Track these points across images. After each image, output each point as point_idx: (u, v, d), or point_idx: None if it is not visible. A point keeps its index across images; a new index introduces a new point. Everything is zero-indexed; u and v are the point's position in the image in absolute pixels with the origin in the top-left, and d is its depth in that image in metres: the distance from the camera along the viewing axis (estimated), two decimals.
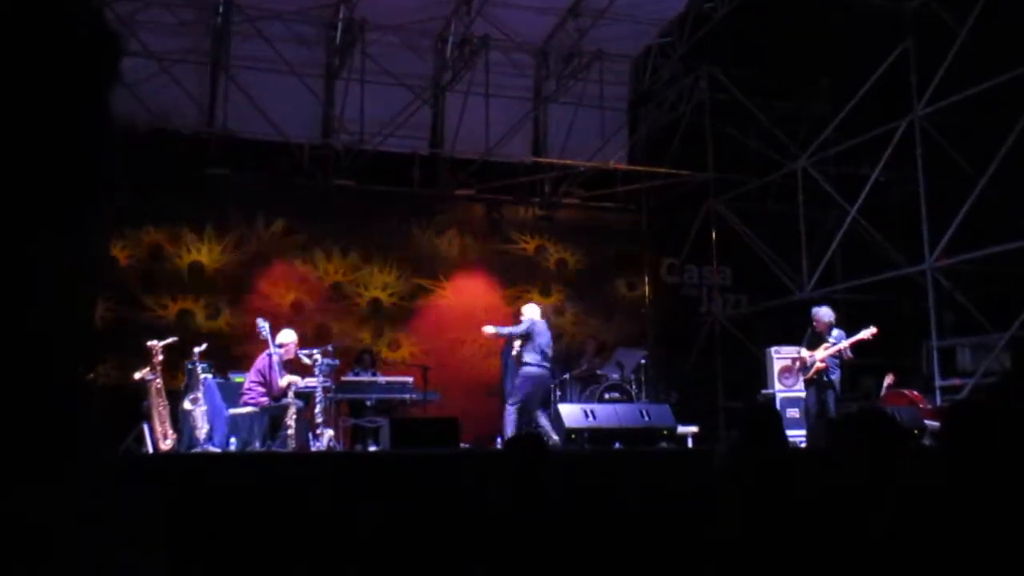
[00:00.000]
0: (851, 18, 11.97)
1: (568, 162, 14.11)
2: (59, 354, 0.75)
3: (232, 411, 9.02)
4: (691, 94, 14.45)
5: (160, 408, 8.77)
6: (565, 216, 14.41)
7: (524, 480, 3.42)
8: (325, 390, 9.34)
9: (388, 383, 10.62)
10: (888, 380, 11.50)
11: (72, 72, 0.77)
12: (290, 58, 12.58)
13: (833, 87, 14.37)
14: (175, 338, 8.95)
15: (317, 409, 9.14)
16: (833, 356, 10.10)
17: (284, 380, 8.98)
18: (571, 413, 9.71)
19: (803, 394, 10.65)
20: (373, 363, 11.17)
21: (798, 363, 10.55)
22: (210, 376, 9.42)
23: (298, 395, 8.99)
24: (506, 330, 10.62)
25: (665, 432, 9.84)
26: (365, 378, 10.84)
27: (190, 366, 9.15)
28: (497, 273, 13.92)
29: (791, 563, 2.98)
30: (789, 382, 11.40)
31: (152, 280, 11.62)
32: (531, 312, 10.64)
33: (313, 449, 8.85)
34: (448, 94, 13.93)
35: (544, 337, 10.44)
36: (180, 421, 9.00)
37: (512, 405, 10.15)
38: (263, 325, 9.09)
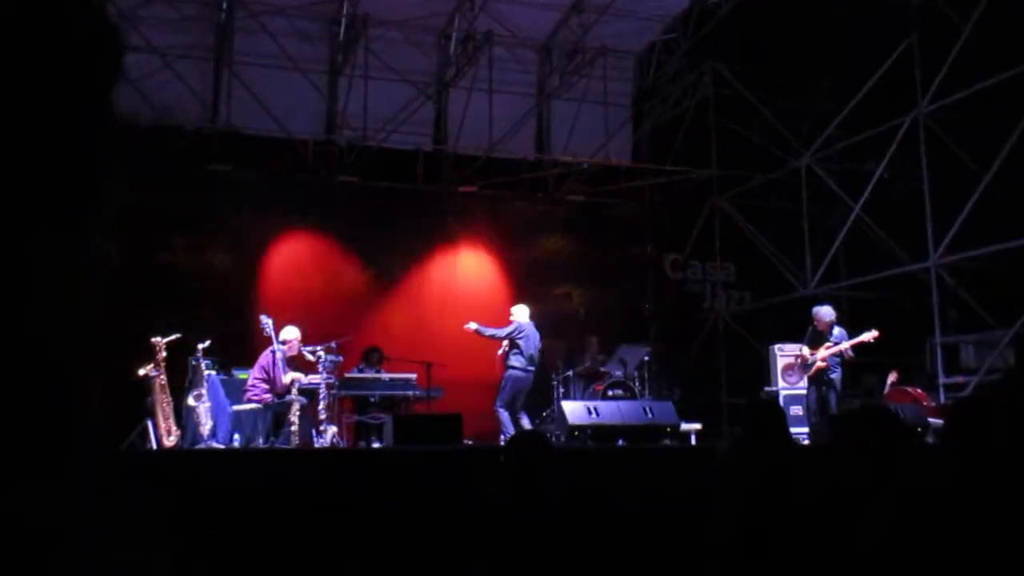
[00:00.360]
0: (855, 14, 11.95)
1: (571, 159, 14.11)
2: (60, 354, 0.75)
3: (236, 407, 9.04)
4: (695, 90, 14.44)
5: (164, 404, 8.78)
6: (569, 213, 14.40)
7: (526, 477, 3.42)
8: (328, 387, 9.36)
9: (391, 379, 10.62)
10: (891, 377, 11.50)
11: (73, 68, 0.77)
12: (293, 54, 12.58)
13: (837, 83, 14.33)
14: (178, 335, 8.96)
15: (320, 406, 9.16)
16: (834, 355, 10.14)
17: (287, 377, 8.99)
18: (574, 410, 9.72)
19: (806, 391, 10.70)
20: (380, 361, 11.18)
21: (799, 360, 10.61)
22: (214, 372, 9.44)
23: (301, 392, 9.00)
24: (489, 331, 10.65)
25: (668, 429, 9.85)
26: (368, 375, 10.84)
27: (194, 362, 9.16)
28: (501, 269, 13.90)
29: (792, 560, 2.98)
30: (792, 379, 11.41)
31: (154, 277, 11.62)
32: (519, 315, 10.67)
33: (316, 445, 8.86)
34: (451, 90, 13.92)
35: (531, 341, 10.47)
36: (184, 417, 9.01)
37: (501, 407, 10.22)
38: (267, 322, 9.11)
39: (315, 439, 8.98)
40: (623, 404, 10.38)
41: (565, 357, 11.77)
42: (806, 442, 9.41)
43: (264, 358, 9.08)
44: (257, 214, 12.78)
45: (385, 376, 10.75)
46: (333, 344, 9.73)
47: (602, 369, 11.90)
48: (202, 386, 8.97)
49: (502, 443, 9.89)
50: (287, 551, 5.36)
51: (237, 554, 5.14)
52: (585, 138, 14.05)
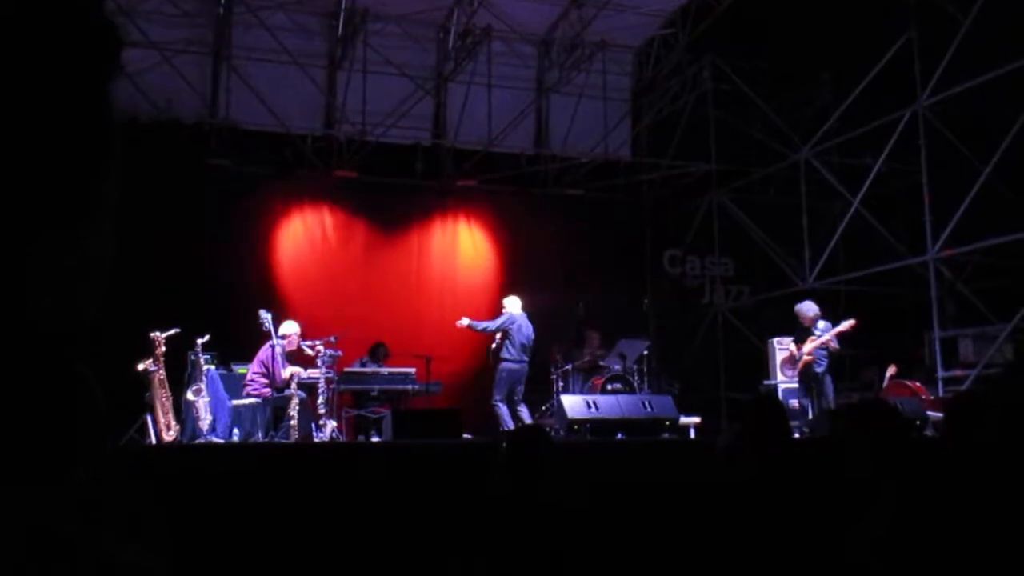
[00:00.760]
0: (854, 8, 11.93)
1: (570, 155, 14.11)
2: (60, 350, 0.75)
3: (235, 402, 9.05)
4: (694, 85, 14.43)
5: (163, 399, 8.78)
6: (567, 207, 14.38)
7: (526, 472, 3.42)
8: (328, 381, 9.37)
9: (390, 374, 10.62)
10: (890, 371, 11.50)
11: (71, 63, 0.77)
12: (292, 48, 12.56)
13: (836, 77, 14.33)
14: (177, 329, 8.96)
15: (320, 400, 9.17)
16: (820, 348, 10.32)
17: (287, 371, 9.00)
18: (574, 404, 9.72)
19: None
20: (386, 356, 11.20)
21: (789, 356, 10.78)
22: (213, 367, 9.43)
23: (301, 386, 9.01)
24: (480, 324, 10.67)
25: (667, 423, 9.85)
26: (368, 369, 10.85)
27: (193, 357, 9.16)
28: (500, 264, 13.90)
29: (791, 554, 2.99)
30: (791, 373, 11.44)
31: (153, 271, 11.61)
32: (511, 306, 10.68)
33: (316, 440, 8.87)
34: (450, 85, 13.91)
35: (523, 332, 10.48)
36: (183, 412, 9.01)
37: (499, 401, 10.23)
38: (266, 316, 9.10)
39: (314, 433, 8.99)
40: (622, 398, 10.38)
41: (564, 351, 11.78)
42: (796, 436, 9.43)
43: (263, 353, 9.09)
44: (256, 209, 12.78)
45: (384, 370, 10.75)
46: (332, 339, 9.74)
47: (601, 363, 11.91)
48: (201, 381, 8.97)
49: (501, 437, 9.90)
50: (286, 545, 5.36)
51: (237, 548, 5.15)
52: (584, 133, 14.04)
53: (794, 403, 10.86)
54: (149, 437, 8.79)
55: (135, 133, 10.46)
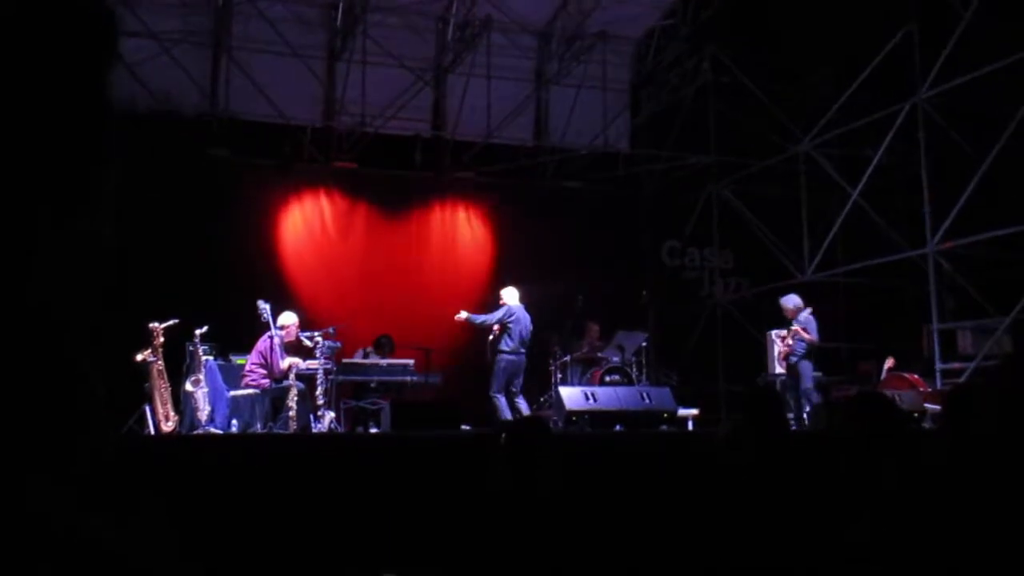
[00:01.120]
0: (854, 0, 11.92)
1: (570, 146, 14.10)
2: (61, 337, 0.75)
3: (233, 393, 9.05)
4: (694, 76, 14.40)
5: (161, 390, 8.80)
6: (567, 199, 14.37)
7: (525, 463, 3.43)
8: (326, 372, 9.37)
9: (389, 365, 10.62)
10: (888, 363, 11.52)
11: (69, 52, 0.77)
12: (291, 40, 12.54)
13: (836, 70, 14.30)
14: (176, 320, 8.96)
15: (318, 391, 9.18)
16: (798, 340, 10.57)
17: (285, 362, 9.01)
18: (572, 395, 9.74)
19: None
20: (391, 349, 11.21)
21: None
22: (211, 358, 9.44)
23: (299, 377, 9.02)
24: (479, 318, 10.65)
25: (666, 415, 9.87)
26: (369, 360, 10.85)
27: (191, 348, 9.17)
28: (499, 256, 13.89)
29: (789, 546, 2.99)
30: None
31: (152, 262, 11.59)
32: (509, 298, 10.66)
33: (314, 431, 8.88)
34: (450, 76, 13.88)
35: (521, 324, 10.48)
36: (181, 403, 9.03)
37: (497, 393, 10.24)
38: (264, 307, 9.10)
39: (313, 424, 9.00)
40: (621, 390, 10.40)
41: (563, 343, 11.78)
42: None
43: (262, 343, 9.09)
44: (255, 199, 12.78)
45: (383, 362, 10.75)
46: (331, 330, 9.74)
47: (600, 355, 11.92)
48: (200, 371, 8.98)
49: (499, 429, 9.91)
50: (285, 536, 5.37)
51: (235, 539, 5.15)
52: (583, 124, 14.03)
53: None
54: (148, 428, 8.80)
55: (134, 124, 10.44)
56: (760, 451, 3.32)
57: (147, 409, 8.85)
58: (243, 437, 8.16)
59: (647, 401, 9.90)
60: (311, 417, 9.03)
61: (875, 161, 12.22)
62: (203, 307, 9.75)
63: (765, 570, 2.98)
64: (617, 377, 11.32)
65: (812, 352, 10.70)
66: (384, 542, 5.37)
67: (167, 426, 8.73)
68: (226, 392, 9.11)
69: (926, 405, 9.30)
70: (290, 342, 9.35)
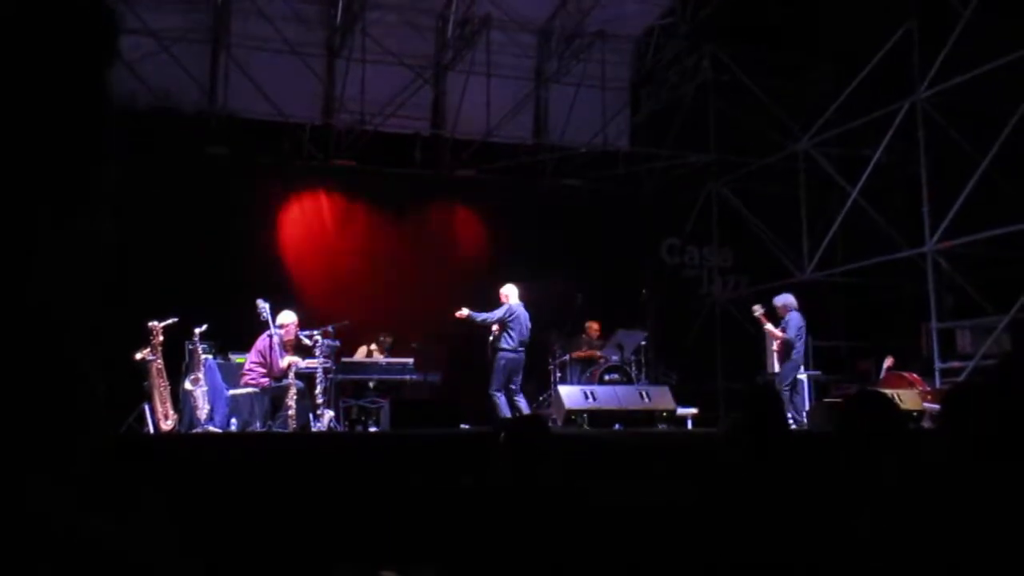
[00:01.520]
0: None
1: (569, 145, 14.09)
2: (61, 334, 0.75)
3: (233, 391, 9.05)
4: (693, 75, 14.40)
5: (161, 388, 8.79)
6: (566, 197, 14.37)
7: (524, 462, 3.43)
8: (325, 371, 9.37)
9: (388, 364, 10.63)
10: (887, 362, 11.52)
11: (69, 49, 0.76)
12: (291, 37, 12.54)
13: (835, 68, 14.30)
14: (175, 318, 8.95)
15: (318, 390, 9.17)
16: (777, 339, 10.61)
17: (284, 361, 9.00)
18: (571, 394, 9.74)
19: (803, 376, 10.93)
20: (393, 346, 11.23)
21: None
22: (211, 356, 9.44)
23: (299, 376, 9.02)
24: (481, 316, 10.59)
25: (665, 413, 9.87)
26: (367, 359, 10.86)
27: (190, 346, 9.16)
28: (498, 254, 13.88)
29: (789, 544, 2.99)
30: None
31: (151, 260, 11.59)
32: (510, 296, 10.64)
33: (314, 429, 8.88)
34: (449, 74, 13.88)
35: (522, 322, 10.47)
36: (181, 401, 9.02)
37: (496, 391, 10.23)
38: (263, 306, 9.09)
39: (312, 423, 9.00)
40: (620, 389, 10.41)
41: (562, 342, 11.78)
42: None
43: (261, 342, 9.09)
44: (254, 198, 12.77)
45: (382, 360, 10.76)
46: (330, 328, 9.74)
47: (599, 354, 11.91)
48: (199, 370, 8.98)
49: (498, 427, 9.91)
50: (284, 535, 5.37)
51: (234, 538, 5.15)
52: (583, 123, 14.01)
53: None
54: (147, 426, 8.80)
55: (133, 121, 10.43)
56: (759, 449, 3.33)
57: (146, 408, 8.84)
58: (242, 436, 8.16)
59: (646, 400, 9.91)
60: (310, 416, 9.02)
61: (874, 160, 12.22)
62: (202, 305, 9.75)
63: (765, 567, 2.98)
64: (616, 376, 11.31)
65: (791, 350, 10.50)
66: (383, 540, 5.37)
67: (166, 425, 8.73)
68: (225, 391, 9.10)
69: (925, 404, 9.30)
70: (289, 341, 9.35)
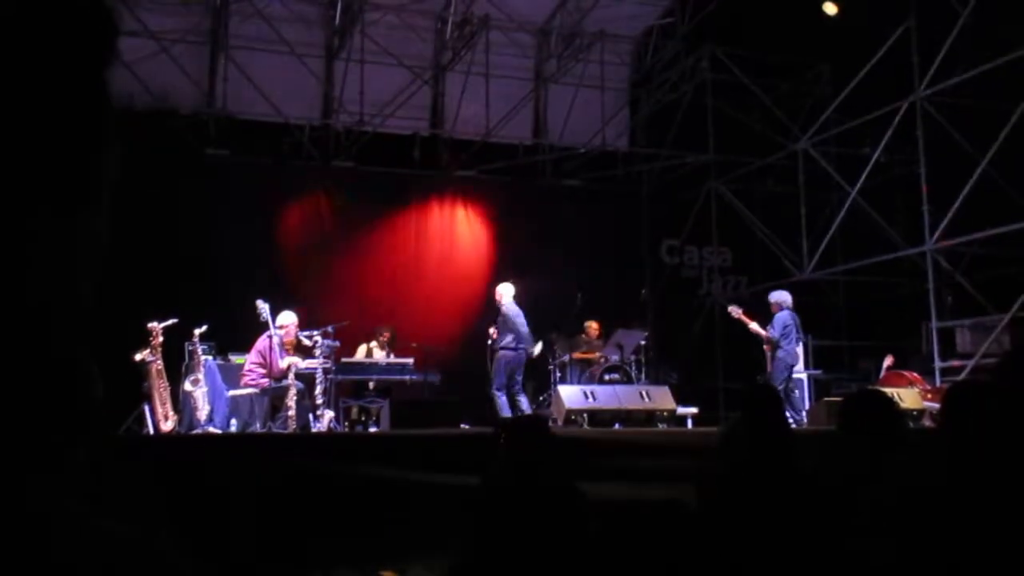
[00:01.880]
0: None
1: (568, 145, 14.09)
2: (58, 332, 0.75)
3: (232, 392, 9.05)
4: (692, 75, 14.40)
5: (160, 389, 8.79)
6: (565, 197, 14.38)
7: (525, 461, 3.43)
8: (325, 371, 9.37)
9: (388, 364, 10.62)
10: (887, 361, 11.53)
11: (68, 50, 0.76)
12: (290, 38, 12.53)
13: (834, 68, 14.31)
14: (175, 319, 8.95)
15: (317, 390, 9.17)
16: (762, 336, 10.50)
17: (284, 361, 9.00)
18: (571, 394, 9.73)
19: (803, 375, 10.91)
20: (393, 341, 11.23)
21: None
22: (210, 357, 9.44)
23: (298, 376, 9.01)
24: (511, 337, 10.38)
25: (665, 413, 9.87)
26: (366, 360, 10.85)
27: (190, 347, 9.16)
28: (498, 254, 13.88)
29: (788, 543, 2.99)
30: None
31: (150, 261, 11.58)
32: (507, 295, 10.61)
33: (314, 430, 8.88)
34: (448, 74, 13.88)
35: (519, 319, 10.45)
36: (180, 402, 9.02)
37: (498, 389, 10.22)
38: (263, 306, 9.10)
39: (312, 424, 9.00)
40: (620, 388, 10.40)
41: (562, 342, 11.77)
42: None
43: (261, 343, 9.09)
44: (254, 199, 12.75)
45: (382, 361, 10.76)
46: (330, 328, 9.74)
47: (599, 353, 11.91)
48: (199, 371, 8.98)
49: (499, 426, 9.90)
50: (285, 535, 5.37)
51: (234, 538, 5.16)
52: (582, 123, 14.01)
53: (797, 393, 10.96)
54: (147, 427, 8.80)
55: (132, 122, 10.43)
56: (758, 449, 3.33)
57: (146, 408, 8.84)
58: (242, 437, 8.16)
59: (646, 399, 9.90)
60: (310, 416, 9.02)
61: (874, 159, 12.22)
62: (202, 306, 9.75)
63: (765, 567, 2.98)
64: (616, 375, 11.31)
65: (776, 348, 10.38)
66: (383, 540, 5.38)
67: (166, 425, 8.73)
68: (225, 391, 9.10)
69: (925, 403, 9.31)
70: (289, 341, 9.35)
